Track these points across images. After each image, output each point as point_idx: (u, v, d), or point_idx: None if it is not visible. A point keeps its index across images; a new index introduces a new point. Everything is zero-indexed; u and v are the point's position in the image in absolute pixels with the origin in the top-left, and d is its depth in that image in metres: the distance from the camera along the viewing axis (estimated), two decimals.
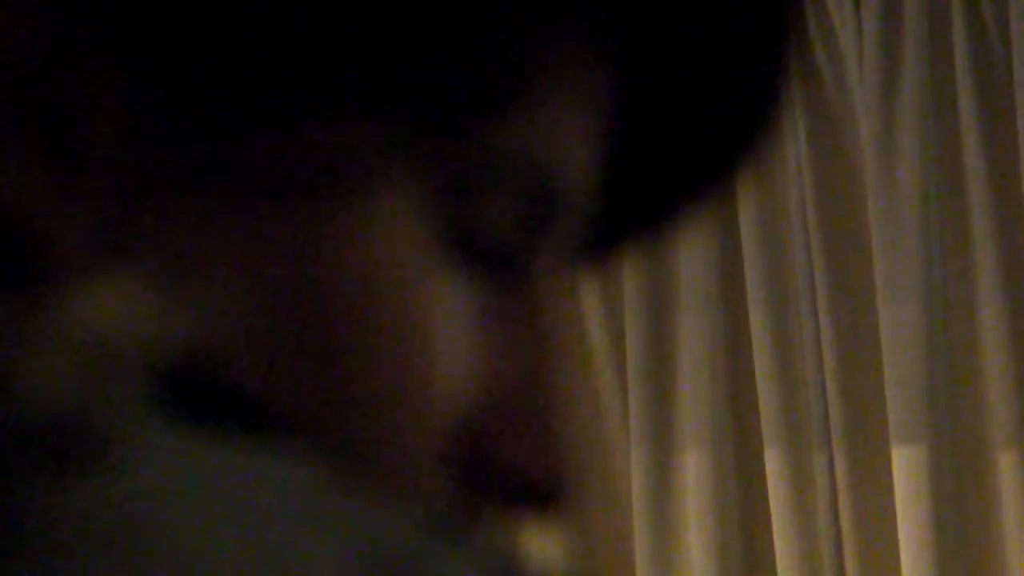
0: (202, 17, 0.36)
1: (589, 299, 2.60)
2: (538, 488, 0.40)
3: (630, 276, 2.55)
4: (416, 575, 0.29)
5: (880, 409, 2.47)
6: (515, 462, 0.40)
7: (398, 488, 0.37)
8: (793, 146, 2.53)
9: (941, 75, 2.52)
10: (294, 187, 0.36)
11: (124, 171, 0.35)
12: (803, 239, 2.51)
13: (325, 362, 0.36)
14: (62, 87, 0.35)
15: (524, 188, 0.39)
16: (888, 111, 2.50)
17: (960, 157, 2.51)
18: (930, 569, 2.39)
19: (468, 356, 0.39)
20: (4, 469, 0.28)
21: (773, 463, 2.48)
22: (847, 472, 2.47)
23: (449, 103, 0.38)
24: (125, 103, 0.35)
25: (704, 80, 0.45)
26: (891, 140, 2.50)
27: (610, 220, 0.47)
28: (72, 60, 0.35)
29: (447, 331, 0.38)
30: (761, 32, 0.44)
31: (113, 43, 0.35)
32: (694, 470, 2.52)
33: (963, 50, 2.51)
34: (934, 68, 2.52)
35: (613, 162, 0.44)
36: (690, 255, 2.55)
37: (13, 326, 0.30)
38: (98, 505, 0.28)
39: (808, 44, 2.53)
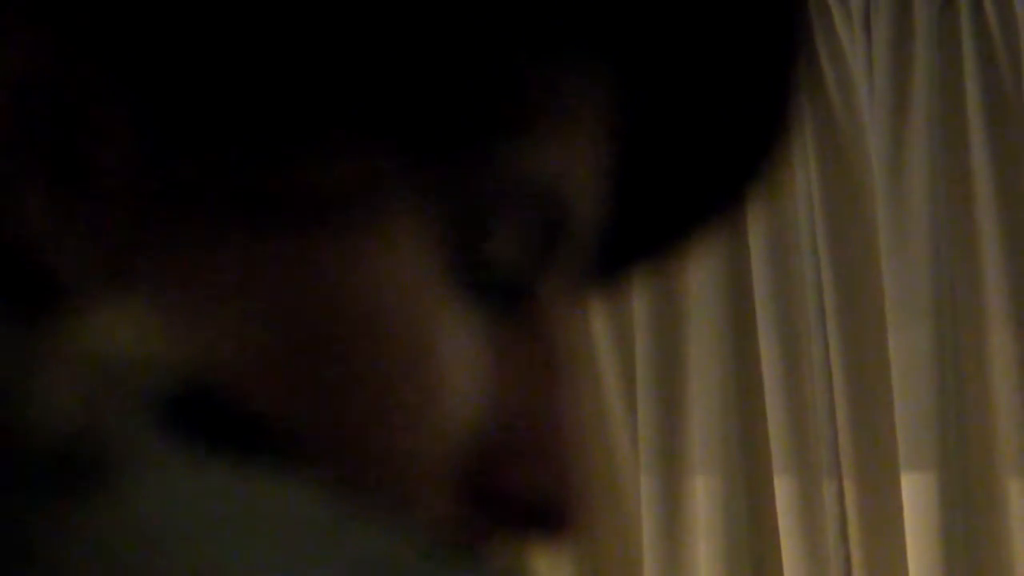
0: (212, 44, 0.36)
1: (598, 323, 2.60)
2: (547, 513, 0.40)
3: (639, 299, 2.56)
4: None
5: (890, 435, 2.47)
6: (524, 486, 0.40)
7: (407, 512, 0.37)
8: (802, 166, 2.53)
9: (950, 94, 2.53)
10: (303, 214, 0.36)
11: (132, 194, 0.35)
12: (813, 260, 2.52)
13: (333, 387, 0.36)
14: (69, 111, 0.35)
15: (533, 213, 0.39)
16: (897, 131, 2.51)
17: (970, 176, 2.51)
18: None
19: (477, 381, 0.39)
20: (11, 491, 0.28)
21: (783, 489, 2.48)
22: (857, 498, 2.47)
23: (457, 130, 0.38)
24: (133, 127, 0.36)
25: (713, 101, 0.45)
26: (900, 160, 2.50)
27: (619, 243, 0.47)
28: (80, 84, 0.35)
29: (457, 356, 0.38)
30: (770, 53, 0.44)
31: (121, 67, 0.35)
32: (703, 495, 2.52)
33: (972, 69, 2.51)
34: (943, 87, 2.53)
35: (622, 184, 0.44)
36: (699, 278, 2.55)
37: (20, 349, 0.30)
38: (104, 528, 0.28)
39: (817, 64, 2.54)
